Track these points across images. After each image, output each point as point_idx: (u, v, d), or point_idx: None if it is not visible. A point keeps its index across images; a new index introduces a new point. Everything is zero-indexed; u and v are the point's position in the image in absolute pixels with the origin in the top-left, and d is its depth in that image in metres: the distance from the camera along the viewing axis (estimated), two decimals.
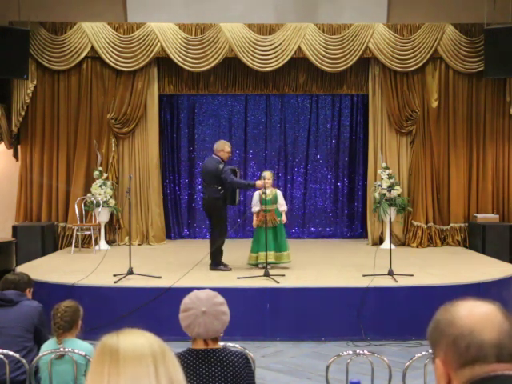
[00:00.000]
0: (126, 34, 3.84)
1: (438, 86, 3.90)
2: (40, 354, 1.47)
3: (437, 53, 3.84)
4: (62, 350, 1.43)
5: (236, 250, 3.35)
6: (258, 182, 2.90)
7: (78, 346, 1.44)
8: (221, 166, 2.84)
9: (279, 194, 3.02)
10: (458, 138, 3.93)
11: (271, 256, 2.86)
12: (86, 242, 3.80)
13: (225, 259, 3.01)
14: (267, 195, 2.86)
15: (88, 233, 3.67)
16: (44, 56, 3.82)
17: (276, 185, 4.13)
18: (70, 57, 3.84)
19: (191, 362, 1.01)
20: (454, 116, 3.93)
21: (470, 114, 3.94)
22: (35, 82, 3.85)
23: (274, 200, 2.95)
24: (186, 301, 1.04)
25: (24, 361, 1.51)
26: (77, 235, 3.63)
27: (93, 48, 3.82)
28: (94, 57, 3.87)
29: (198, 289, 1.07)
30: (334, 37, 3.82)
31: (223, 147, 2.94)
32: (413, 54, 3.84)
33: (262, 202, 2.92)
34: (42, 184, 3.93)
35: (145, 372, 0.44)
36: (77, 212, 3.67)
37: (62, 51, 3.83)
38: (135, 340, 0.47)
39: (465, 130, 3.94)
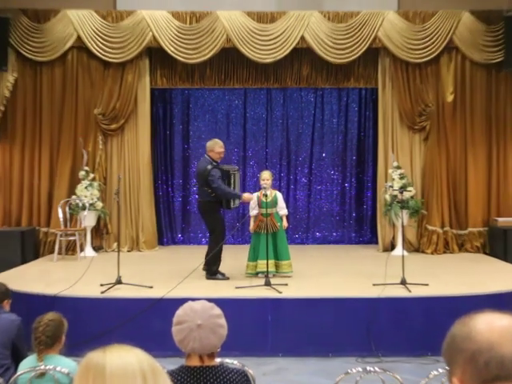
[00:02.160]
0: (114, 22, 3.83)
1: (454, 78, 3.89)
2: (18, 372, 1.47)
3: (452, 42, 3.83)
4: (43, 367, 1.42)
5: (234, 257, 3.34)
6: (245, 195, 2.84)
7: (60, 364, 1.44)
8: (209, 168, 2.79)
9: (279, 196, 2.99)
10: (475, 135, 3.91)
11: (270, 265, 2.82)
12: (71, 249, 3.78)
13: (221, 267, 2.99)
14: (263, 197, 2.83)
15: (73, 238, 3.63)
16: (25, 46, 3.80)
17: (277, 186, 4.15)
18: (54, 47, 3.82)
19: (185, 380, 1.00)
20: (471, 111, 3.92)
21: (488, 108, 3.92)
22: (16, 75, 3.84)
23: (274, 203, 2.92)
24: (180, 313, 1.03)
25: (1, 380, 1.51)
26: (60, 241, 3.61)
27: (79, 37, 3.81)
28: (80, 47, 3.86)
29: (193, 300, 1.06)
30: (340, 25, 3.81)
31: (213, 147, 2.89)
32: (426, 44, 3.83)
33: (261, 204, 2.90)
34: (23, 185, 3.91)
35: None
36: (60, 216, 3.65)
37: (45, 41, 3.81)
38: (123, 357, 0.47)
39: (483, 126, 3.92)
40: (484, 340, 0.50)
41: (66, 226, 3.67)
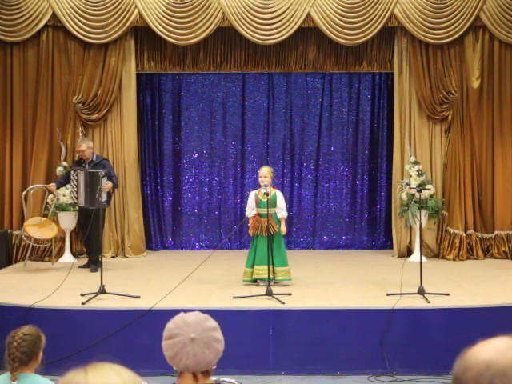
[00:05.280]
0: None
1: (481, 61, 3.86)
2: None
3: (479, 20, 3.79)
4: None
5: (231, 263, 3.37)
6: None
7: (36, 383, 1.46)
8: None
9: (279, 195, 2.98)
10: (504, 126, 3.90)
11: (265, 271, 2.81)
12: (47, 254, 3.80)
13: (217, 274, 3.05)
14: (262, 196, 2.85)
15: (48, 244, 3.67)
16: None
17: (280, 184, 4.17)
18: (27, 25, 3.79)
19: None
20: (499, 98, 3.89)
21: None
22: None
23: (273, 203, 2.92)
24: (171, 326, 1.02)
25: None
26: (35, 246, 3.63)
27: (54, 14, 3.79)
28: (56, 26, 3.84)
29: (185, 311, 1.07)
30: (351, 1, 3.79)
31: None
32: (449, 23, 3.79)
33: (259, 204, 2.91)
34: None
35: None
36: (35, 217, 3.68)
37: (15, 18, 3.79)
38: (106, 377, 0.47)
39: None
40: (480, 362, 0.53)
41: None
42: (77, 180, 3.21)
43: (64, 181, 3.44)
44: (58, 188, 3.44)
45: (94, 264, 3.29)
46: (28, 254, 3.55)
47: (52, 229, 3.49)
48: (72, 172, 3.27)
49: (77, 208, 3.53)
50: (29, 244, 3.62)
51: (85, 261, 3.56)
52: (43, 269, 3.53)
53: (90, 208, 3.13)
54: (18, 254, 3.86)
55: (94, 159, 3.33)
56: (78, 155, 3.35)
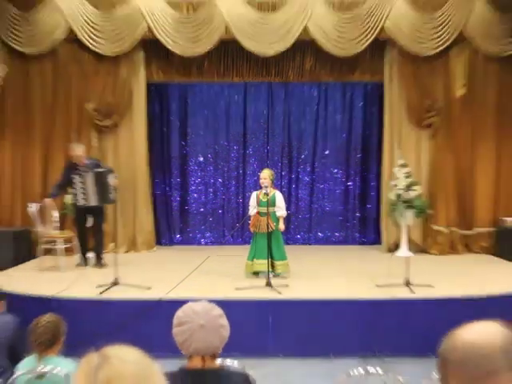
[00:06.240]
0: (106, 11, 3.81)
1: (465, 71, 3.88)
2: (16, 373, 1.52)
3: (464, 33, 3.76)
4: (42, 369, 1.48)
5: (234, 258, 3.38)
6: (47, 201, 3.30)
7: (60, 364, 1.49)
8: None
9: (278, 196, 3.04)
10: (486, 132, 3.92)
11: (265, 264, 2.87)
12: (67, 249, 3.83)
13: (221, 269, 3.09)
14: (263, 196, 2.91)
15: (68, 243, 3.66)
16: (13, 37, 3.80)
17: (279, 185, 4.17)
18: (43, 38, 3.79)
19: (185, 383, 1.04)
20: (481, 106, 3.92)
21: (500, 103, 3.92)
22: (5, 68, 3.88)
23: (272, 203, 2.98)
24: (180, 314, 1.06)
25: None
26: (54, 242, 3.66)
27: (69, 28, 3.79)
28: (71, 38, 3.84)
29: (192, 301, 1.10)
30: (345, 15, 3.78)
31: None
32: (436, 36, 3.78)
33: (259, 203, 2.97)
34: (15, 184, 3.95)
35: None
36: (55, 216, 3.69)
37: (34, 33, 3.81)
38: (121, 358, 0.49)
39: (494, 123, 3.92)
40: (467, 345, 0.56)
41: (62, 226, 3.72)
42: (81, 182, 3.16)
43: (62, 183, 3.31)
44: (56, 195, 3.34)
45: (100, 259, 3.29)
46: (42, 249, 3.57)
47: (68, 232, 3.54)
48: (74, 175, 3.20)
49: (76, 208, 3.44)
50: (48, 241, 3.66)
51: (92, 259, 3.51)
52: (61, 264, 3.56)
53: (98, 206, 3.13)
54: (39, 249, 3.92)
55: (88, 162, 3.28)
56: (70, 160, 3.26)
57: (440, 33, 3.78)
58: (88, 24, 3.80)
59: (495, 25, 3.74)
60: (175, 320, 1.06)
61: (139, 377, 0.48)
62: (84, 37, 3.81)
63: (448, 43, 3.79)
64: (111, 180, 3.10)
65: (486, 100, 3.90)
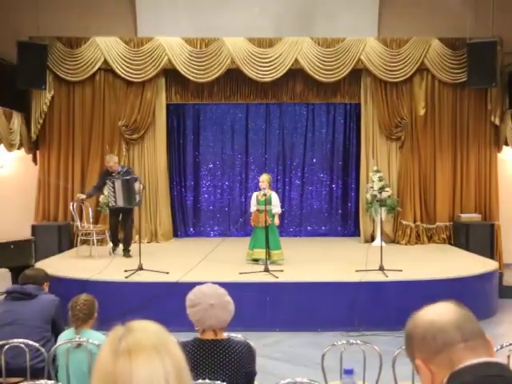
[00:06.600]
0: (136, 47, 3.87)
1: (425, 95, 3.93)
2: (58, 343, 1.49)
3: (424, 64, 3.87)
4: (79, 339, 1.44)
5: (237, 248, 3.35)
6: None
7: (93, 337, 1.46)
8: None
9: (274, 196, 3.04)
10: (443, 144, 3.96)
11: (262, 253, 2.88)
12: (100, 241, 3.81)
13: (227, 257, 3.06)
14: (261, 196, 2.92)
15: (101, 235, 3.66)
16: (60, 68, 3.86)
17: (275, 187, 4.16)
18: (85, 69, 3.87)
19: (198, 351, 1.01)
20: (439, 123, 3.96)
21: (454, 121, 3.97)
22: (52, 92, 3.89)
23: (269, 202, 2.97)
24: (191, 297, 1.03)
25: (43, 349, 1.52)
26: (91, 234, 3.64)
27: (105, 60, 3.86)
28: (107, 69, 3.90)
29: (203, 283, 1.08)
30: (328, 50, 3.85)
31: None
32: (401, 66, 3.86)
33: (258, 202, 2.99)
34: (59, 186, 3.96)
35: (152, 359, 0.45)
36: (91, 212, 3.69)
37: (77, 64, 3.87)
38: (141, 330, 0.48)
39: (450, 136, 3.96)
40: (426, 321, 0.55)
41: (97, 222, 3.72)
42: (113, 187, 3.16)
43: (98, 186, 3.34)
44: (90, 195, 3.36)
45: (127, 251, 3.27)
46: (79, 240, 3.56)
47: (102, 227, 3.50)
48: (108, 181, 3.21)
49: (109, 208, 3.41)
50: (85, 233, 3.63)
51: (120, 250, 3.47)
52: (97, 252, 3.53)
53: (126, 207, 3.11)
54: (78, 240, 3.89)
55: (120, 169, 3.27)
56: (106, 168, 3.29)
57: (404, 64, 3.86)
58: (120, 57, 3.84)
59: (447, 59, 3.84)
60: (188, 302, 1.03)
61: (156, 345, 0.45)
62: (117, 67, 3.85)
63: (411, 73, 3.87)
64: (137, 186, 3.08)
65: (443, 118, 3.95)
